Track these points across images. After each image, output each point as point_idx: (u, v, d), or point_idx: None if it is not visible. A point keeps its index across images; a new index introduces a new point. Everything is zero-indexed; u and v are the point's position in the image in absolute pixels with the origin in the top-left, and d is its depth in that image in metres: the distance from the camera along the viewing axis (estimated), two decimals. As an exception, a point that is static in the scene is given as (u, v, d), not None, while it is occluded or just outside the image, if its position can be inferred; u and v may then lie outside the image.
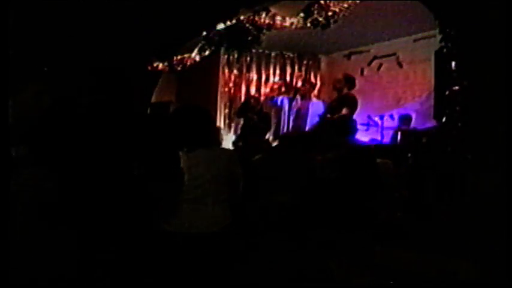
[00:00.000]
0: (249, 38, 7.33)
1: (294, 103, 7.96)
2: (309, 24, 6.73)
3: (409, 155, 6.27)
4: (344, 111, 6.92)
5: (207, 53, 7.94)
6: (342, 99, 7.07)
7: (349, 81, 7.17)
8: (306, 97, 8.11)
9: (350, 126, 5.61)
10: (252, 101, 8.03)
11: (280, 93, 8.62)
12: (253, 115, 7.62)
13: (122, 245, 2.92)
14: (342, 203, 3.88)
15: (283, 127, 7.99)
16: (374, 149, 6.69)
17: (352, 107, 6.99)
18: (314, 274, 3.45)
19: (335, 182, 4.01)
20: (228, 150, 2.97)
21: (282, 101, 8.11)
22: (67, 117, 2.89)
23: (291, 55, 9.62)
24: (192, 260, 2.72)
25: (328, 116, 7.11)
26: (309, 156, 4.49)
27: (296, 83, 9.21)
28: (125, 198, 2.81)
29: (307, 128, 7.79)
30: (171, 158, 2.76)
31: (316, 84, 9.38)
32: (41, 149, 2.74)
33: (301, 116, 7.92)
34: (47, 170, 2.77)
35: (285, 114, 8.02)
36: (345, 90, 7.13)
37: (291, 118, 7.96)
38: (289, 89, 8.84)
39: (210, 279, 2.75)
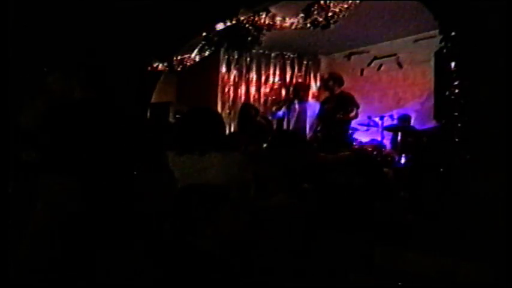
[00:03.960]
0: (249, 38, 7.33)
1: (292, 107, 7.94)
2: (308, 25, 6.73)
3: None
4: (354, 112, 6.89)
5: (206, 53, 7.94)
6: (342, 99, 7.00)
7: (336, 80, 7.12)
8: (303, 100, 8.12)
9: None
10: (250, 109, 7.93)
11: (279, 98, 8.63)
12: (261, 119, 7.55)
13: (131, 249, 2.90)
14: (354, 204, 3.85)
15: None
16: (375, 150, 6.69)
17: (358, 106, 6.98)
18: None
19: (348, 185, 3.98)
20: (239, 155, 2.95)
21: (283, 114, 8.10)
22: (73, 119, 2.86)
23: (291, 55, 9.62)
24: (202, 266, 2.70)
25: (340, 115, 6.97)
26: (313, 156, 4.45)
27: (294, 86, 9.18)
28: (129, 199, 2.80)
29: (307, 129, 7.80)
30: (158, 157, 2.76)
31: (310, 86, 9.39)
32: (58, 155, 2.70)
33: (300, 118, 7.92)
34: (66, 178, 2.74)
35: (284, 120, 8.03)
36: (337, 89, 7.07)
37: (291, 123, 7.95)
38: (288, 91, 8.84)
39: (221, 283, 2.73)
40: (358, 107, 6.95)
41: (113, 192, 2.80)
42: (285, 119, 7.99)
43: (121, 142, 2.88)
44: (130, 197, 2.79)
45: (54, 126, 2.78)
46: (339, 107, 6.92)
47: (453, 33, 4.19)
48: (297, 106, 7.94)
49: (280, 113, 8.08)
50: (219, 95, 9.35)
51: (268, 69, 9.59)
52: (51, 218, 2.72)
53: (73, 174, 2.72)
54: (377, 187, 4.04)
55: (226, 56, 9.22)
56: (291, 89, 8.78)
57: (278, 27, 7.19)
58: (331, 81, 7.12)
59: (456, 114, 4.15)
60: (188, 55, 8.08)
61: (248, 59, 9.44)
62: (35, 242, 2.73)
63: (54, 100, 2.88)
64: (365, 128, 7.66)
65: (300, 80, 9.41)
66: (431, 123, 5.69)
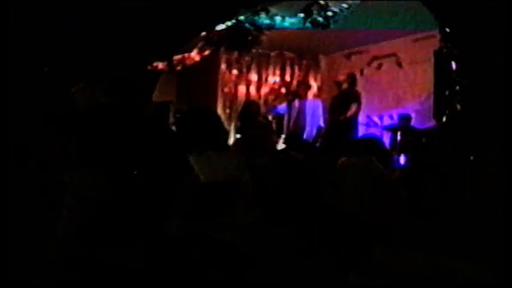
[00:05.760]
0: (249, 38, 7.33)
1: (292, 105, 7.95)
2: (308, 25, 6.73)
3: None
4: (353, 108, 6.82)
5: (206, 53, 7.94)
6: (347, 96, 6.96)
7: (351, 78, 7.08)
8: (303, 98, 8.12)
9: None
10: (252, 107, 7.93)
11: (279, 95, 8.63)
12: (262, 118, 7.53)
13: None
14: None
15: (285, 130, 7.98)
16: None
17: (360, 103, 6.93)
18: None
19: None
20: (236, 155, 2.96)
21: (284, 110, 8.10)
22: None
23: (291, 55, 9.62)
24: (196, 265, 2.71)
25: (339, 114, 6.91)
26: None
27: (295, 84, 9.19)
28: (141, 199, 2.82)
29: (306, 127, 7.82)
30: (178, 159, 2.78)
31: (311, 85, 9.40)
32: (92, 148, 2.76)
33: (299, 116, 7.93)
34: (94, 170, 2.79)
35: (284, 118, 8.03)
36: (345, 86, 7.04)
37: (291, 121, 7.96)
38: (289, 90, 8.86)
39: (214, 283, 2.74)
40: (359, 103, 6.90)
41: (139, 187, 2.85)
42: (286, 117, 8.01)
43: (143, 139, 2.93)
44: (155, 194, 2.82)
45: (84, 125, 2.86)
46: (341, 105, 6.91)
47: (453, 33, 4.19)
48: (296, 104, 7.95)
49: (281, 110, 8.09)
50: (219, 95, 9.35)
51: (268, 69, 9.60)
52: (81, 210, 2.76)
53: (101, 167, 2.78)
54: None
55: (226, 56, 9.22)
56: (294, 85, 8.82)
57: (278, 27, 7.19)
58: (345, 77, 7.10)
59: (456, 114, 4.16)
60: (188, 55, 8.08)
61: (248, 59, 9.44)
62: (68, 235, 2.77)
63: (80, 106, 2.99)
64: (365, 127, 7.66)
65: (295, 83, 9.41)
66: (431, 123, 5.69)
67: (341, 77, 7.19)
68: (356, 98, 6.94)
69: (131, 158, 2.86)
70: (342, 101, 6.97)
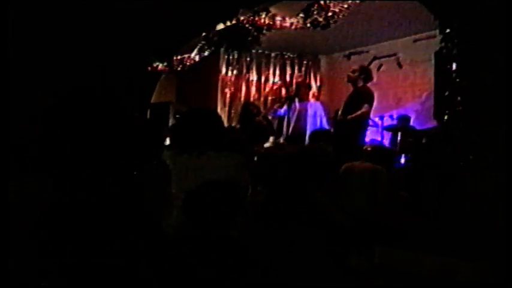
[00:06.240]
0: (249, 38, 7.34)
1: (292, 106, 7.88)
2: (308, 25, 6.72)
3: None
4: (365, 108, 6.48)
5: (206, 53, 7.95)
6: (358, 94, 6.63)
7: (364, 72, 6.65)
8: (303, 99, 8.07)
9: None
10: (252, 108, 7.85)
11: (279, 96, 8.64)
12: (261, 119, 7.49)
13: (124, 249, 2.91)
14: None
15: (285, 131, 7.94)
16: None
17: (371, 102, 6.51)
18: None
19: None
20: (236, 155, 2.95)
21: (284, 112, 8.04)
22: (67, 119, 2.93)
23: (291, 55, 9.63)
24: (192, 264, 2.71)
25: (343, 116, 6.60)
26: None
27: (295, 84, 9.16)
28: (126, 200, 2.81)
29: (307, 129, 7.77)
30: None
31: (311, 85, 9.37)
32: (41, 154, 2.76)
33: (300, 117, 7.88)
34: (45, 176, 2.79)
35: (285, 119, 7.97)
36: (360, 83, 6.66)
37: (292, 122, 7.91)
38: (289, 90, 8.85)
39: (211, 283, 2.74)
40: (370, 104, 6.54)
41: (100, 186, 2.84)
42: (286, 118, 7.98)
43: (104, 141, 2.94)
44: (124, 193, 2.82)
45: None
46: (351, 104, 6.59)
47: (453, 33, 4.19)
48: (297, 105, 7.92)
49: (281, 111, 8.05)
50: (219, 95, 9.36)
51: (268, 69, 9.60)
52: (28, 209, 2.77)
53: (44, 171, 2.80)
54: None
55: (226, 56, 9.23)
56: (293, 86, 8.78)
57: (278, 27, 7.19)
58: (357, 72, 6.70)
59: (456, 114, 4.16)
60: (188, 55, 8.08)
61: (248, 59, 9.45)
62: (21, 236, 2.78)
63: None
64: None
65: (300, 79, 9.38)
66: (431, 123, 5.69)
67: (351, 74, 6.74)
68: (367, 97, 6.52)
69: (85, 160, 2.87)
70: (351, 101, 6.58)
